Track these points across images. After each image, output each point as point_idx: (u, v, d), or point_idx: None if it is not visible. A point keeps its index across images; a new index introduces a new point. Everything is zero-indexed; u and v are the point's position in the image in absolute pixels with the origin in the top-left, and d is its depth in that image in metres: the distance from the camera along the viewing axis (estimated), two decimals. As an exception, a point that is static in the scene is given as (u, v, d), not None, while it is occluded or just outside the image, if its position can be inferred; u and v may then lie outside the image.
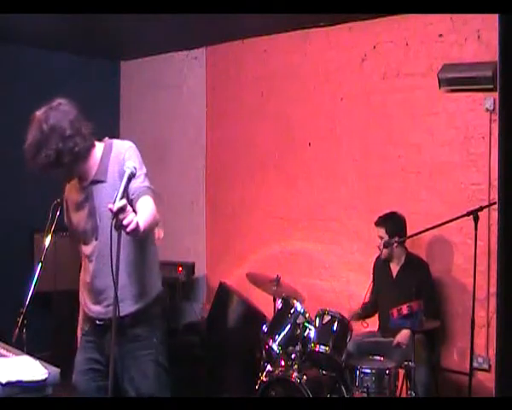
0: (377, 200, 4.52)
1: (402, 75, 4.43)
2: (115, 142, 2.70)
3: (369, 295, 4.18)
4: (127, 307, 2.60)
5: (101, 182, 2.59)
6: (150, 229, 2.56)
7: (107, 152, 2.64)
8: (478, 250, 3.66)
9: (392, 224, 4.01)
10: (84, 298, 2.75)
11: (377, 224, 4.06)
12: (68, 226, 2.81)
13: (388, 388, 3.51)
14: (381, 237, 4.01)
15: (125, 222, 2.21)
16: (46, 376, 2.13)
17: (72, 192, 2.72)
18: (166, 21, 4.55)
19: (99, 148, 2.65)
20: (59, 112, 2.50)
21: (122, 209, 2.20)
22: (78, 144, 2.49)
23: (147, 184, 2.58)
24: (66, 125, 2.47)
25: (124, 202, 2.21)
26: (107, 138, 2.73)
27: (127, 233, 2.25)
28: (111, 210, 2.18)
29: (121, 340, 2.53)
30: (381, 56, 4.53)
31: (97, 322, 2.66)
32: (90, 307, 2.70)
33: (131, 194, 2.52)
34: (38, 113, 2.52)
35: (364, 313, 4.15)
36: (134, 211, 2.48)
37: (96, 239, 2.61)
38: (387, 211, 4.09)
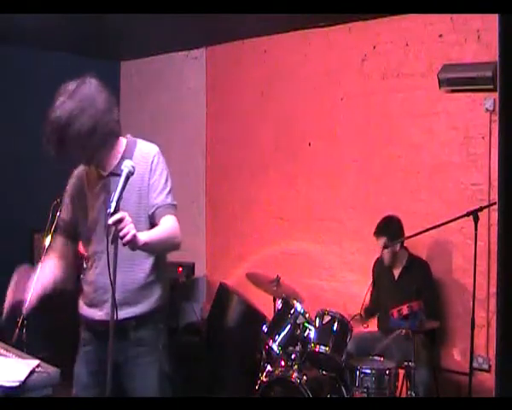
0: (377, 200, 4.52)
1: (402, 75, 4.43)
2: (140, 141, 2.58)
3: (369, 297, 4.18)
4: (133, 309, 2.47)
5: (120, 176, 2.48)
6: (163, 247, 2.46)
7: (130, 148, 2.52)
8: (478, 250, 3.65)
9: (393, 230, 3.98)
10: (85, 305, 2.59)
11: (377, 234, 4.01)
12: (68, 221, 2.60)
13: (388, 388, 3.51)
14: (385, 247, 3.98)
15: (121, 234, 2.13)
16: (18, 384, 2.04)
17: (82, 181, 2.56)
18: (166, 21, 4.55)
19: (122, 142, 2.54)
20: (93, 86, 2.40)
21: (119, 221, 2.12)
22: (111, 122, 2.39)
23: (170, 200, 2.49)
24: (101, 98, 2.38)
25: (121, 214, 2.13)
26: (129, 135, 2.61)
27: (124, 244, 2.17)
28: (109, 214, 2.11)
29: (124, 344, 2.45)
30: (381, 56, 4.53)
31: (98, 329, 2.50)
32: (91, 314, 2.55)
33: (154, 207, 2.45)
34: (70, 85, 2.38)
35: (367, 315, 4.15)
36: (152, 225, 2.42)
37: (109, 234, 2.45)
38: (388, 211, 4.09)
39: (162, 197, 2.46)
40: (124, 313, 2.41)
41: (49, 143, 2.34)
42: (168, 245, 2.46)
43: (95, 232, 2.51)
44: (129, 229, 2.15)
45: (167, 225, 2.42)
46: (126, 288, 2.44)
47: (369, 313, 4.16)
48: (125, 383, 2.51)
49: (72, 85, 2.39)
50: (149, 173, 2.47)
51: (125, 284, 2.42)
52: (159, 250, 2.47)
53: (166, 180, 2.50)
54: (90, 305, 2.56)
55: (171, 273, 2.83)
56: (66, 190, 2.66)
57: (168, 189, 2.49)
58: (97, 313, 2.52)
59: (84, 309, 2.60)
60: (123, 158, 2.44)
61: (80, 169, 2.64)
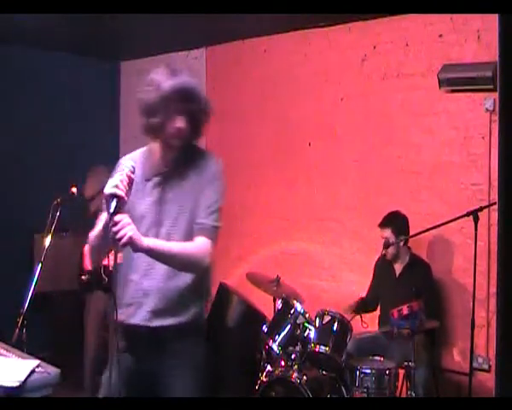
0: (377, 200, 4.52)
1: (402, 75, 4.43)
2: (197, 146, 2.53)
3: (367, 291, 4.20)
4: (172, 318, 2.35)
5: (179, 177, 2.40)
6: (180, 263, 2.32)
7: (193, 151, 2.51)
8: (478, 250, 3.65)
9: (398, 223, 4.01)
10: (120, 304, 2.32)
11: (383, 224, 4.02)
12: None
13: (388, 388, 3.51)
14: (387, 238, 3.99)
15: (117, 236, 2.07)
16: (18, 384, 2.02)
17: (138, 169, 2.36)
18: (166, 21, 4.55)
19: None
20: None
21: (115, 224, 2.07)
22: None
23: (211, 222, 2.41)
24: None
25: (118, 217, 2.08)
26: None
27: (121, 246, 2.11)
28: (112, 222, 2.06)
29: (162, 356, 2.34)
30: (381, 56, 4.53)
31: (132, 335, 2.34)
32: (123, 318, 2.31)
33: (197, 220, 2.37)
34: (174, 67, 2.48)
35: (358, 307, 4.09)
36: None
37: (158, 234, 2.34)
38: (388, 211, 4.09)
39: (206, 214, 2.42)
40: (162, 320, 2.33)
41: (169, 106, 2.44)
42: (187, 263, 2.34)
43: (141, 229, 2.28)
44: (126, 231, 2.08)
45: (193, 245, 2.33)
46: (167, 295, 2.34)
47: (361, 305, 4.12)
48: (163, 393, 2.38)
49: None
50: (206, 183, 2.49)
51: (166, 290, 2.34)
52: (172, 263, 2.32)
53: (218, 197, 2.49)
54: (126, 307, 2.37)
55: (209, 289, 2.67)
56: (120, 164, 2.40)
57: (216, 206, 2.46)
58: (132, 318, 2.36)
59: (120, 309, 2.35)
60: (186, 159, 2.43)
61: (133, 156, 2.51)
